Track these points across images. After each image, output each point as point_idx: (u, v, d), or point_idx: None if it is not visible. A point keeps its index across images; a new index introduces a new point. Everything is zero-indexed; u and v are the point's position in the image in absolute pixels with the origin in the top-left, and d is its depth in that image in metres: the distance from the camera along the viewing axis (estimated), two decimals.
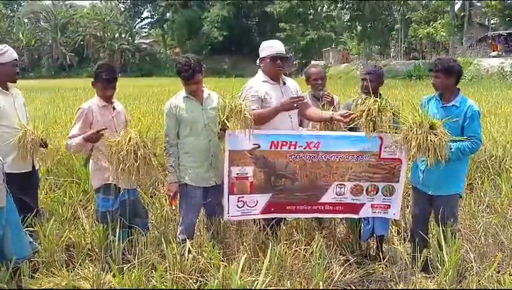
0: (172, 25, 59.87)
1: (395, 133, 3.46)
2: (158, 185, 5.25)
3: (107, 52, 58.45)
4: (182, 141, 3.63)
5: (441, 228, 3.42)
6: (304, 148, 3.58)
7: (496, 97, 13.94)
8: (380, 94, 3.99)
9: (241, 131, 3.32)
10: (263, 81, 3.65)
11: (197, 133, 3.59)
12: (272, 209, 3.67)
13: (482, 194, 4.78)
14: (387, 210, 3.77)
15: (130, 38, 63.52)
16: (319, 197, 3.69)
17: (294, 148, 3.57)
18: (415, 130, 3.28)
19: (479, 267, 3.12)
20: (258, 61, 3.77)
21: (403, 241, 4.33)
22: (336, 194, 3.69)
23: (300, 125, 4.28)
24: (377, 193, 3.71)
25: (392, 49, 43.28)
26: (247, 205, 3.62)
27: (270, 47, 3.66)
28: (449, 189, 3.62)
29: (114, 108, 3.70)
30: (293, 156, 3.57)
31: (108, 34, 61.65)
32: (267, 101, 3.58)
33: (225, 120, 3.34)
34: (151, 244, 3.47)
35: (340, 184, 3.67)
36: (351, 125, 3.65)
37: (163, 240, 3.40)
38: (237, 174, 3.55)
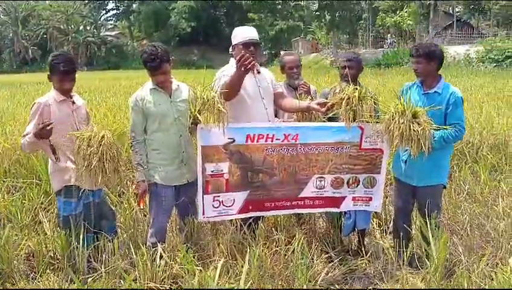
0: (139, 16, 58.47)
1: (377, 122, 3.30)
2: (127, 182, 4.94)
3: (72, 45, 56.60)
4: (150, 137, 3.35)
5: (426, 220, 3.28)
6: (282, 141, 3.37)
7: (464, 83, 14.08)
8: (359, 82, 3.81)
9: (215, 125, 3.07)
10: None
11: (166, 127, 3.32)
12: (250, 207, 3.45)
13: (461, 182, 4.69)
14: (369, 203, 3.62)
15: (95, 30, 61.68)
16: (298, 191, 3.50)
17: (271, 141, 3.36)
18: (397, 120, 3.11)
19: (467, 261, 2.98)
20: (230, 48, 3.51)
21: (384, 233, 4.20)
22: (316, 187, 3.51)
23: (275, 116, 4.07)
24: (358, 185, 3.55)
25: (388, 36, 42.64)
26: (224, 205, 3.38)
27: (243, 33, 3.41)
28: (433, 179, 3.48)
29: (73, 102, 3.38)
30: (270, 150, 3.36)
31: (72, 26, 59.64)
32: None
33: (197, 114, 3.08)
34: (119, 249, 3.20)
35: (320, 177, 3.49)
36: (330, 115, 3.46)
37: (131, 245, 3.12)
38: (212, 171, 3.31)
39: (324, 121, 3.52)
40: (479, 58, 24.46)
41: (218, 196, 3.36)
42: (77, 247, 3.09)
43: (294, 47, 49.25)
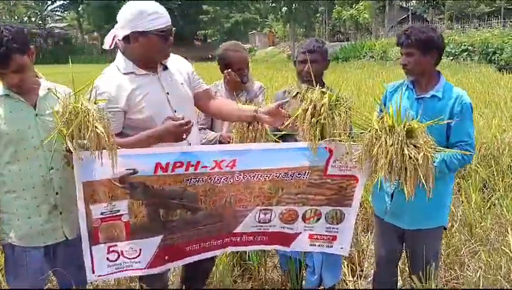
0: (88, 7, 55.81)
1: (353, 142, 2.22)
2: None
3: None
4: (1, 172, 2.13)
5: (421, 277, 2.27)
6: (211, 169, 2.23)
7: None
8: (324, 83, 2.74)
9: (98, 153, 1.89)
10: (125, 74, 2.21)
11: (26, 156, 2.10)
12: (166, 257, 2.30)
13: (452, 206, 3.69)
14: (332, 243, 2.49)
15: (40, 22, 58.43)
16: (233, 226, 2.39)
17: (195, 170, 2.21)
18: (384, 140, 2.04)
19: None
20: (113, 39, 2.28)
21: (358, 278, 3.18)
22: (259, 222, 2.40)
23: (210, 129, 2.96)
24: (319, 219, 2.45)
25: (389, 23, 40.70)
26: (125, 256, 2.23)
27: (154, 15, 2.13)
28: (431, 221, 2.46)
29: None
30: (193, 180, 2.22)
31: (16, 17, 56.30)
32: (136, 107, 2.16)
33: (67, 136, 1.89)
34: None
35: (265, 209, 2.38)
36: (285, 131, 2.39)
37: None
38: (102, 214, 2.13)
39: (275, 141, 2.41)
40: None
41: (115, 246, 2.20)
42: None
43: (251, 40, 48.42)
